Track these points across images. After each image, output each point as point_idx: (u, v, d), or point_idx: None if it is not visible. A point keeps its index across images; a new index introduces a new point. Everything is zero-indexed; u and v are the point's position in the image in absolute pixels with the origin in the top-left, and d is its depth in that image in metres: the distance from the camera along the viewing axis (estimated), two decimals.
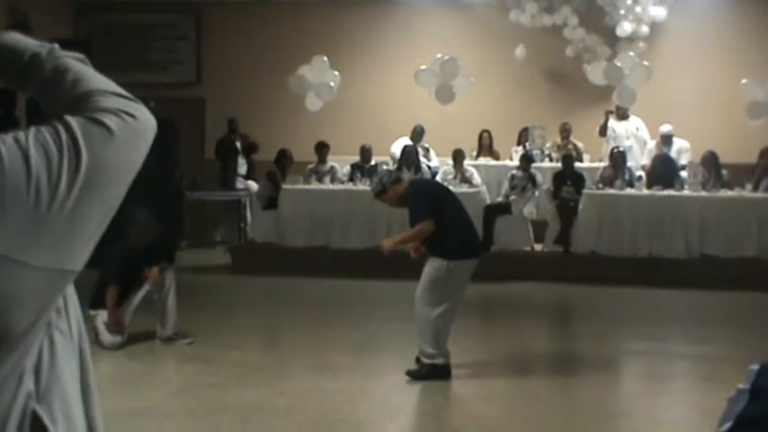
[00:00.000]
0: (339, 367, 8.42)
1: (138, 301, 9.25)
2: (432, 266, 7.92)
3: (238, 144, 16.52)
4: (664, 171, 14.35)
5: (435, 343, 7.88)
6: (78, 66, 1.78)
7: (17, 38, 1.79)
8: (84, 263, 1.71)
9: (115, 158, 1.66)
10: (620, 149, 14.76)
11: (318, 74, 16.44)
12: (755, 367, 1.52)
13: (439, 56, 16.33)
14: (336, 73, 16.55)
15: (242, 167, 16.64)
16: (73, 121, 1.64)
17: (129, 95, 1.76)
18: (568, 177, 14.26)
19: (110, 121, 1.67)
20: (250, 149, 16.62)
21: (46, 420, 1.68)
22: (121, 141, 1.67)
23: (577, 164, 15.43)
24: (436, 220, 7.84)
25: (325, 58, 16.48)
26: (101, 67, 1.82)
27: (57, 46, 1.80)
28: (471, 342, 9.26)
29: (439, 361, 7.92)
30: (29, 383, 1.68)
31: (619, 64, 15.73)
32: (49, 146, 1.60)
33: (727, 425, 1.49)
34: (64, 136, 1.62)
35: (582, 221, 13.83)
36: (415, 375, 7.90)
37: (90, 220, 1.65)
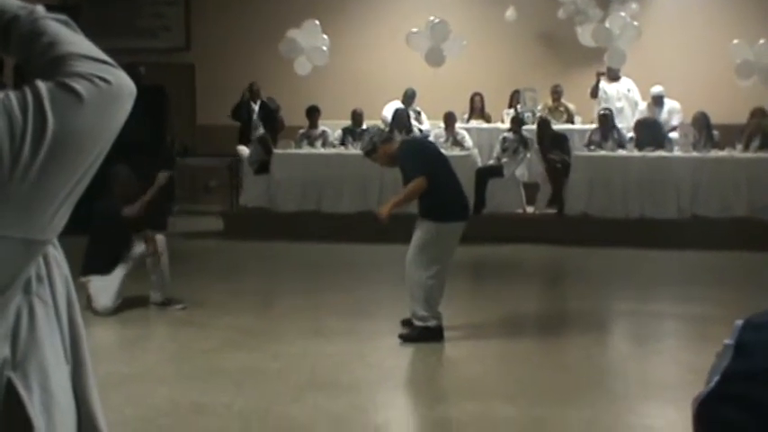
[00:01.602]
0: (332, 330, 8.45)
1: (131, 266, 9.23)
2: (421, 229, 7.94)
3: (255, 108, 16.03)
4: (650, 136, 14.33)
5: (427, 305, 7.91)
6: (56, 28, 1.72)
7: None
8: (56, 232, 1.67)
9: (85, 125, 1.61)
10: (607, 111, 14.75)
11: (309, 38, 16.36)
12: (740, 322, 1.53)
13: (432, 18, 16.27)
14: (325, 36, 16.47)
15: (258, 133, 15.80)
16: (42, 86, 1.60)
17: (107, 59, 1.70)
18: (551, 140, 14.24)
19: (80, 86, 1.61)
20: (270, 114, 16.00)
21: (20, 389, 1.66)
22: (92, 107, 1.62)
23: (569, 125, 15.46)
24: (427, 180, 7.84)
25: (317, 22, 16.40)
26: (89, 33, 1.78)
27: (39, 8, 1.74)
28: (464, 304, 9.29)
29: (431, 323, 7.94)
30: (4, 350, 1.66)
31: (608, 25, 15.69)
32: (14, 112, 1.56)
33: (715, 379, 1.51)
34: (30, 101, 1.57)
35: (573, 183, 13.84)
36: (407, 338, 7.93)
37: (57, 188, 1.61)
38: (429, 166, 7.96)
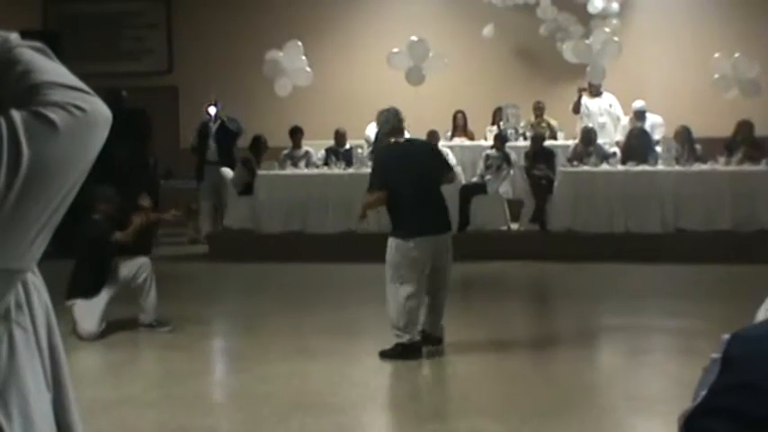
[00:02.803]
0: (318, 351, 8.43)
1: (116, 290, 9.17)
2: (388, 247, 7.93)
3: (213, 128, 15.80)
4: (639, 145, 14.39)
5: (400, 320, 7.86)
6: (31, 57, 1.69)
7: None
8: (35, 260, 1.66)
9: (60, 154, 1.60)
10: (589, 127, 14.85)
11: (292, 59, 16.40)
12: (726, 336, 1.54)
13: (413, 38, 16.32)
14: (304, 57, 16.50)
15: (213, 154, 15.72)
16: (17, 115, 1.58)
17: (83, 87, 1.69)
18: (540, 156, 14.30)
19: (55, 115, 1.60)
20: (231, 137, 15.73)
21: (0, 417, 1.64)
22: (67, 136, 1.61)
23: (551, 142, 15.49)
24: (390, 195, 7.85)
25: (299, 43, 16.45)
26: (70, 57, 1.77)
27: (14, 36, 1.72)
28: (450, 321, 9.24)
29: (404, 339, 7.87)
30: None
31: (588, 41, 15.76)
32: None
33: (702, 393, 1.52)
34: (5, 132, 1.55)
35: (557, 199, 13.87)
36: (384, 354, 7.90)
37: (34, 217, 1.60)
38: (384, 180, 7.93)
